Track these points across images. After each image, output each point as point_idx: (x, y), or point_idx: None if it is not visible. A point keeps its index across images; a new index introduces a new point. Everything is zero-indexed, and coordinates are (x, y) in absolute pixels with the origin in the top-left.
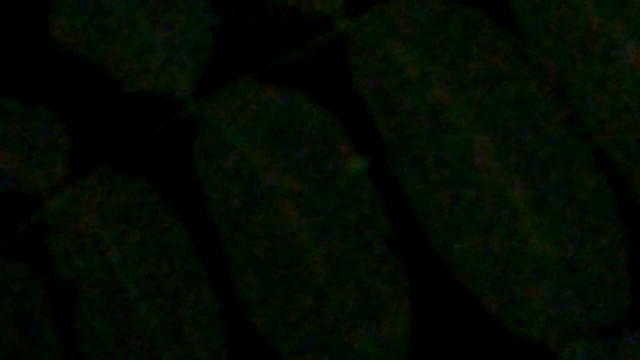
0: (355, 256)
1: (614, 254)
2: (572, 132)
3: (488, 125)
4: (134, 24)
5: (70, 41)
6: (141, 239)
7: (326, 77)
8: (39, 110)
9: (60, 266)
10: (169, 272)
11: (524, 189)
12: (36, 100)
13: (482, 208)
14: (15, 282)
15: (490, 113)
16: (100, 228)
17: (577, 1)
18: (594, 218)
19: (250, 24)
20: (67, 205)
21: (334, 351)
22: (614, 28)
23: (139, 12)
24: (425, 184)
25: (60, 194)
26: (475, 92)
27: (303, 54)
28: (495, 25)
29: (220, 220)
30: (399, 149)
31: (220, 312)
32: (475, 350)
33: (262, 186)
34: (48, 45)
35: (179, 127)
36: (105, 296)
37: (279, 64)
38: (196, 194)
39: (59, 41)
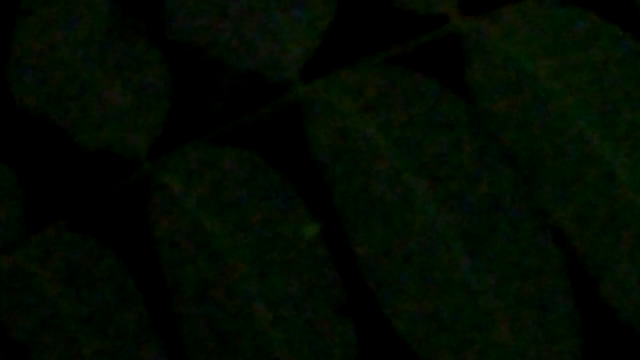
0: (307, 322)
1: (566, 327)
2: (522, 198)
3: (442, 193)
4: (93, 83)
5: (29, 98)
6: (93, 298)
7: (282, 142)
8: None
9: (11, 323)
10: (121, 331)
11: (473, 255)
12: None
13: (433, 274)
14: None
15: (444, 182)
16: (52, 285)
17: (531, 70)
18: (546, 290)
19: (208, 87)
20: (20, 262)
21: None
22: (568, 100)
23: (98, 72)
24: (377, 251)
25: (13, 250)
26: (430, 160)
27: (259, 117)
28: (452, 94)
29: (173, 282)
30: (352, 215)
31: None
32: None
33: (215, 248)
34: (6, 101)
35: (134, 187)
36: (58, 355)
37: (236, 127)
38: (151, 254)
39: (17, 97)
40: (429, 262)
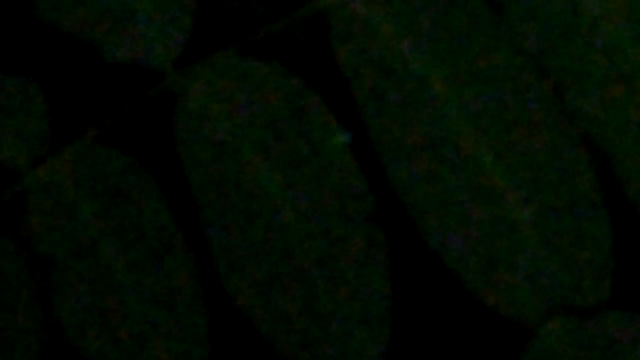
0: (337, 231)
1: (597, 235)
2: (554, 105)
3: (466, 97)
4: None
5: (53, 11)
6: (121, 211)
7: (308, 50)
8: (19, 80)
9: (39, 238)
10: (148, 243)
11: (506, 167)
12: (16, 70)
13: (463, 184)
14: None
15: (469, 85)
16: (80, 199)
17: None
18: (577, 197)
19: None
20: (48, 177)
21: (312, 324)
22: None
23: None
24: (403, 156)
25: (41, 165)
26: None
27: (285, 26)
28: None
29: (198, 192)
30: (380, 125)
31: (200, 281)
32: (455, 327)
33: (241, 158)
34: (31, 15)
35: (158, 98)
36: (84, 268)
37: (261, 36)
38: (176, 165)
39: (42, 11)
40: (458, 169)
